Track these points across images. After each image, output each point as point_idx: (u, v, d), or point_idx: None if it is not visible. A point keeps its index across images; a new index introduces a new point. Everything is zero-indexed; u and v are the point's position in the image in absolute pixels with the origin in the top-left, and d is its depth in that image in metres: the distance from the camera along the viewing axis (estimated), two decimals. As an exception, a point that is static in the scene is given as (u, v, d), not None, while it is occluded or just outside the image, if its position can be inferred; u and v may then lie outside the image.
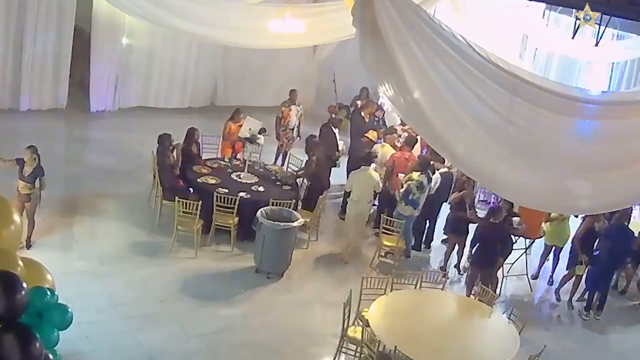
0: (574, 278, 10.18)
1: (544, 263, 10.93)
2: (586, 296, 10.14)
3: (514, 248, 10.10)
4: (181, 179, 10.63)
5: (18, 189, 8.99)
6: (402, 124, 12.54)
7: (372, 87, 13.92)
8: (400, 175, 10.68)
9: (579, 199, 7.39)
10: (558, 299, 10.30)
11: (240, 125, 11.41)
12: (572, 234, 10.54)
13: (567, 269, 10.34)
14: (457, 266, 10.58)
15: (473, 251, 9.70)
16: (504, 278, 10.14)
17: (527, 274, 10.53)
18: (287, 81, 15.22)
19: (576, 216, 10.73)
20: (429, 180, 10.41)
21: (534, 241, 10.52)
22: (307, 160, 11.30)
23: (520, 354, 7.55)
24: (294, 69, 16.09)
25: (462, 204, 10.30)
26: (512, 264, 10.29)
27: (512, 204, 9.68)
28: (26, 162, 8.98)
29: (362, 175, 10.53)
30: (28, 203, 9.01)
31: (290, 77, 15.75)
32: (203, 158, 11.41)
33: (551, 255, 10.80)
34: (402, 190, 10.25)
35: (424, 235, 11.17)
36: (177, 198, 9.69)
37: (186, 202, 9.69)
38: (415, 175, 10.29)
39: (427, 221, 11.09)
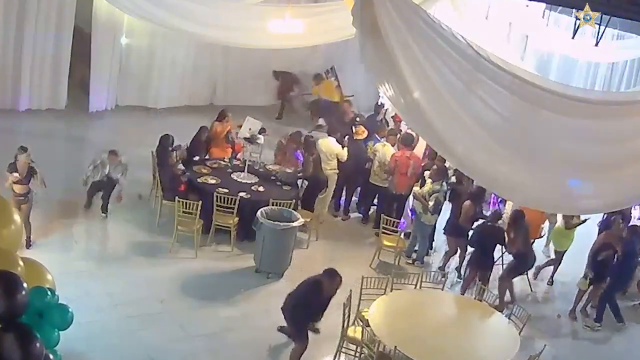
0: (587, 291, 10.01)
1: (545, 265, 10.88)
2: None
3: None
4: (182, 180, 10.58)
5: (13, 190, 8.88)
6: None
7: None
8: (416, 189, 10.69)
9: (579, 199, 7.40)
10: (575, 319, 10.00)
11: (240, 126, 11.39)
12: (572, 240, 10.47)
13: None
14: (458, 269, 10.54)
15: (471, 253, 9.68)
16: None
17: (527, 274, 10.50)
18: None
19: (583, 221, 10.55)
20: (447, 184, 10.56)
21: (533, 241, 10.49)
22: (304, 160, 11.27)
23: (520, 354, 7.55)
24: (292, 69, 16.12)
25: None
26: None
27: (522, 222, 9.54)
28: (19, 162, 8.87)
29: (325, 142, 11.45)
30: (25, 205, 8.87)
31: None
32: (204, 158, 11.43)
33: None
34: (432, 204, 10.20)
35: None
36: (177, 198, 9.69)
37: (186, 202, 9.69)
38: (437, 185, 10.27)
39: None
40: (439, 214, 10.50)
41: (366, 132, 12.11)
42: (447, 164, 10.58)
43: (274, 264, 9.64)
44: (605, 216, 10.79)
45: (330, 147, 11.44)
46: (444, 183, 10.40)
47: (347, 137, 11.94)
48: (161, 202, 10.36)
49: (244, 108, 15.01)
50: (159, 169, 10.49)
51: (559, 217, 10.72)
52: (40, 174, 9.06)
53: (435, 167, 10.64)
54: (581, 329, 9.82)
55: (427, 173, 10.94)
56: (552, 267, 10.82)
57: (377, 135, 12.19)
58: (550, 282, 10.71)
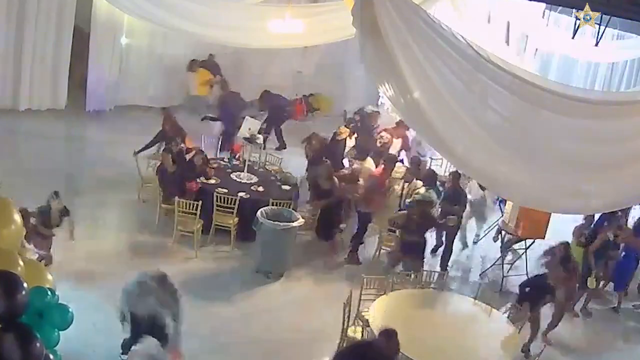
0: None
1: None
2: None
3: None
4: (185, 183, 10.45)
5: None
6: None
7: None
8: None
9: (579, 198, 7.39)
10: (577, 316, 9.92)
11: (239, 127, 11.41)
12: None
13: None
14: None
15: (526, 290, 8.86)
16: (504, 278, 10.14)
17: (527, 274, 10.46)
18: (283, 80, 15.36)
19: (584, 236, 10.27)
20: (438, 195, 10.16)
21: (534, 241, 10.43)
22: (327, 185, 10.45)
23: (521, 354, 7.55)
24: (289, 68, 16.14)
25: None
26: (512, 264, 10.28)
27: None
28: (53, 209, 8.33)
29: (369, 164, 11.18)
30: (45, 240, 8.33)
31: (285, 76, 15.81)
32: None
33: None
34: (408, 201, 10.03)
35: None
36: (176, 198, 9.67)
37: (186, 202, 9.66)
38: (422, 190, 10.05)
39: None
40: None
41: (348, 132, 12.14)
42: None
43: (274, 264, 9.64)
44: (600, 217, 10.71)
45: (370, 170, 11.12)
46: (432, 191, 10.05)
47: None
48: (160, 203, 10.33)
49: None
50: (160, 173, 10.37)
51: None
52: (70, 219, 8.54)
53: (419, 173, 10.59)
54: (582, 329, 9.81)
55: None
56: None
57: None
58: None
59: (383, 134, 12.29)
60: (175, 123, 11.43)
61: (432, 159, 12.67)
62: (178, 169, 10.26)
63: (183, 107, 13.22)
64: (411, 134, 12.42)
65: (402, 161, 12.38)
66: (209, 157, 11.12)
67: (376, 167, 11.04)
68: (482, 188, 10.43)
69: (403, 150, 12.65)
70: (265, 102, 13.92)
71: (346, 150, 12.35)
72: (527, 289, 8.73)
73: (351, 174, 10.90)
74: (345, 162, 12.04)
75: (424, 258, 9.63)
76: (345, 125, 12.47)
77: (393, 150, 12.19)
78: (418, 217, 9.30)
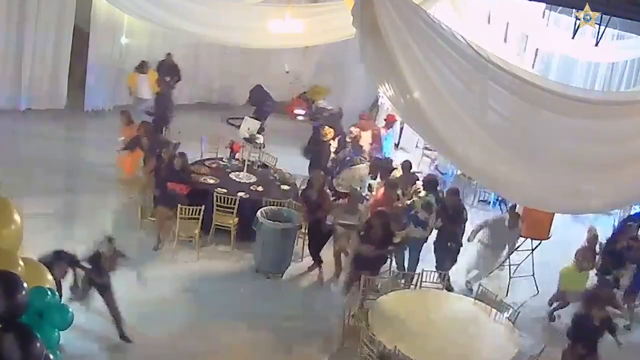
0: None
1: (554, 307, 9.93)
2: None
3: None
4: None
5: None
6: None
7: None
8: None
9: (579, 198, 7.40)
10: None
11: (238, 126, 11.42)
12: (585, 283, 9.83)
13: None
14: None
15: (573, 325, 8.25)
16: (510, 279, 10.11)
17: (533, 275, 10.41)
18: (282, 80, 15.35)
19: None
20: (437, 201, 9.78)
21: (540, 242, 10.37)
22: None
23: (520, 354, 7.55)
24: (290, 69, 16.15)
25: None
26: (519, 265, 10.25)
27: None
28: (105, 257, 7.75)
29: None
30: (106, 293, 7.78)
31: (284, 75, 15.83)
32: (202, 158, 11.42)
33: None
34: (406, 202, 9.91)
35: None
36: (179, 205, 9.56)
37: (187, 208, 9.58)
38: (422, 193, 9.85)
39: None
40: (424, 228, 9.62)
41: (333, 133, 12.11)
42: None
43: (274, 264, 9.64)
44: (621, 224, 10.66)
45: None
46: (432, 196, 9.74)
47: None
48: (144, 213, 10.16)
49: (240, 107, 15.08)
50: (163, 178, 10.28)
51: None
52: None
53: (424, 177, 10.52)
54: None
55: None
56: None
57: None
58: (552, 319, 9.93)
59: (352, 129, 12.40)
60: (149, 130, 11.32)
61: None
62: (162, 174, 10.05)
63: (130, 109, 13.24)
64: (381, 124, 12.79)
65: (380, 159, 12.33)
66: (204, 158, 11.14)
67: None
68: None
69: (374, 144, 12.65)
70: (253, 97, 14.00)
71: (331, 150, 12.25)
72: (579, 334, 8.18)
73: (349, 202, 10.21)
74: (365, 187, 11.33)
75: (378, 273, 9.09)
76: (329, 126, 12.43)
77: (364, 143, 12.36)
78: (379, 228, 8.80)
